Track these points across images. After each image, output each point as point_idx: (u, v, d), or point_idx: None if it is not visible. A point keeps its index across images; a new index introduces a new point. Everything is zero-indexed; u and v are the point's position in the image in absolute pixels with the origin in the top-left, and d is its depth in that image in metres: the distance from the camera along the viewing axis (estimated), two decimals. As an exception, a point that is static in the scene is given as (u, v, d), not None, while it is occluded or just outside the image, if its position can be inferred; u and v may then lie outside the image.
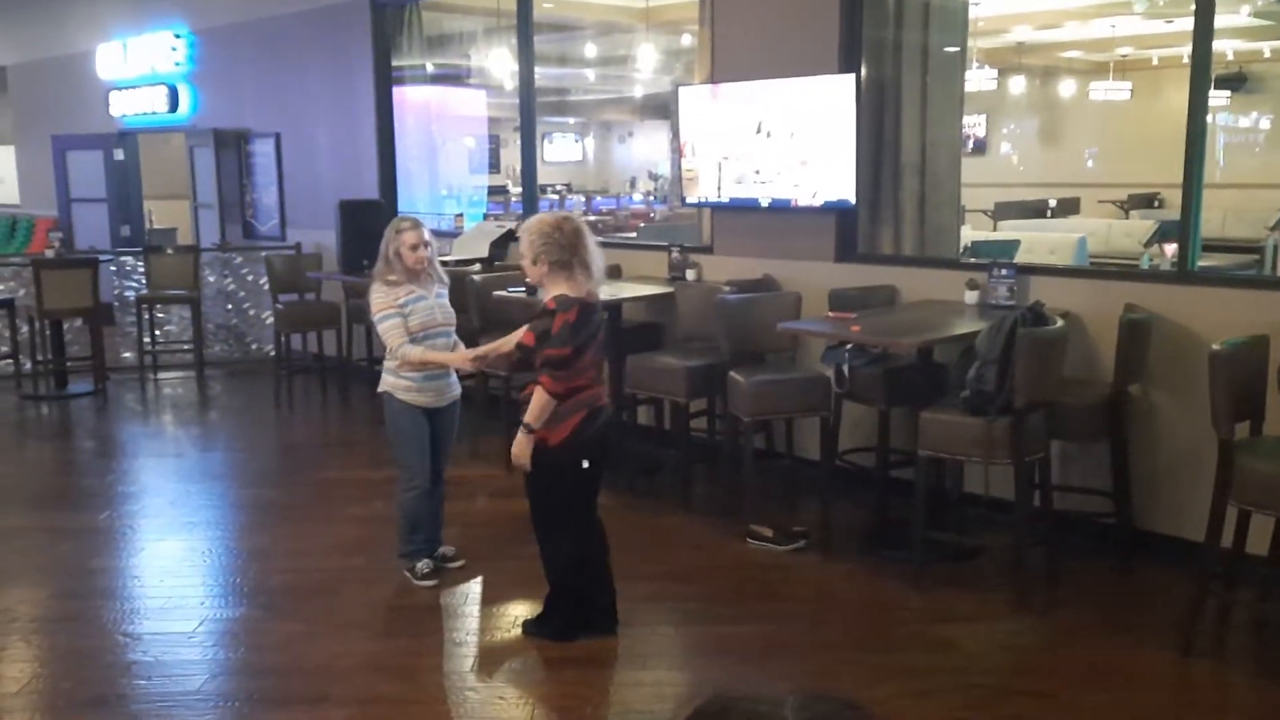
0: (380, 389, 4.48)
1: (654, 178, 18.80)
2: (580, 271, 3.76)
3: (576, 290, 3.76)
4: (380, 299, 4.35)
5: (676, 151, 6.55)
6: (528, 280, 4.04)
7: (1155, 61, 13.73)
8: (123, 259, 9.52)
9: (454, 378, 4.56)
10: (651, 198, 17.61)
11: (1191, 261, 4.77)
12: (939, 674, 3.77)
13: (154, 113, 10.91)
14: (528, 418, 3.75)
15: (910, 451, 4.80)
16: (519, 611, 4.28)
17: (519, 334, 3.99)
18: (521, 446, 3.77)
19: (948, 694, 3.63)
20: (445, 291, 4.55)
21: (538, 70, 7.90)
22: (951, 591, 4.46)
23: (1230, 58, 12.47)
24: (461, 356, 4.44)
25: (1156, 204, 13.50)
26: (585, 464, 3.85)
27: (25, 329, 8.47)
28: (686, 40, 11.48)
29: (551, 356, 3.70)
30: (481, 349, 4.42)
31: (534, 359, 3.78)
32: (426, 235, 4.42)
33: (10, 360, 8.59)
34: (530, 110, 7.82)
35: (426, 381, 4.41)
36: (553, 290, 3.78)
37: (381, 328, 4.35)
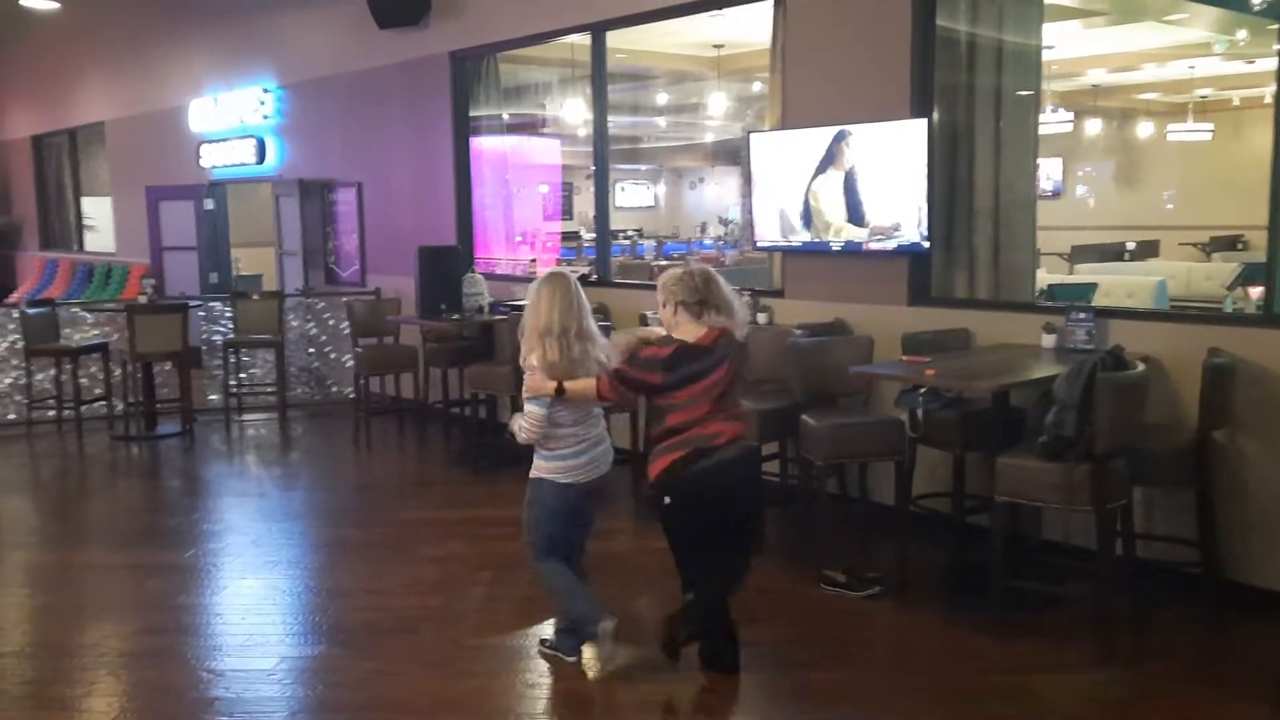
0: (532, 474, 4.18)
1: (724, 222, 18.88)
2: (711, 312, 3.94)
3: (698, 333, 3.92)
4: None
5: (747, 196, 6.59)
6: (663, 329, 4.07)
7: (1236, 102, 13.48)
8: (211, 304, 9.83)
9: (608, 444, 4.24)
10: (722, 242, 17.68)
11: (1278, 304, 4.66)
12: (1019, 725, 3.69)
13: (242, 164, 11.31)
14: (567, 381, 3.95)
15: (987, 497, 4.73)
16: (590, 653, 4.30)
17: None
18: (534, 384, 3.97)
19: (1028, 746, 3.55)
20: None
21: (611, 118, 8.04)
22: (1032, 641, 4.36)
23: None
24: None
25: (1240, 246, 13.18)
26: (666, 500, 3.93)
27: (118, 372, 8.79)
28: (757, 87, 11.59)
29: (622, 371, 3.93)
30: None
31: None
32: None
33: (104, 402, 8.91)
34: (604, 158, 7.95)
35: (581, 457, 4.12)
36: (676, 333, 3.97)
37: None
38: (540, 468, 4.15)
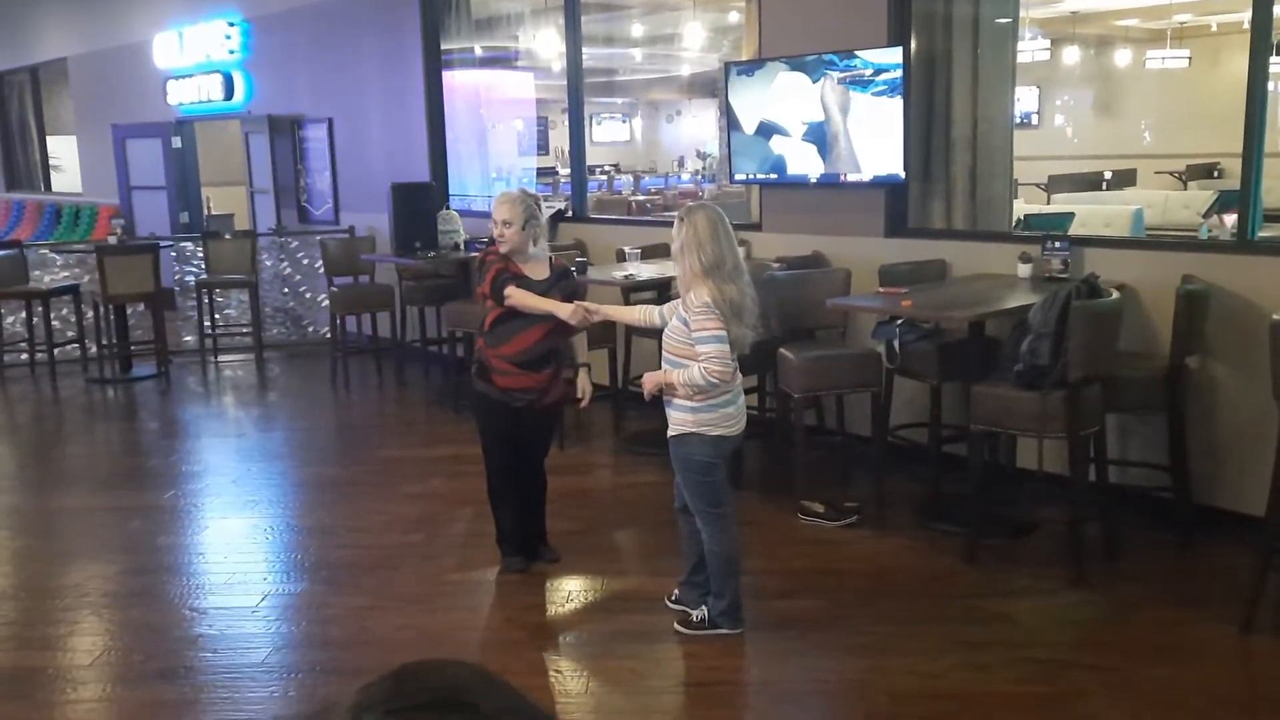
0: (677, 431, 3.69)
1: (702, 156, 18.73)
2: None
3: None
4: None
5: (724, 129, 6.53)
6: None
7: (1214, 28, 13.39)
8: (182, 245, 9.71)
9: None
10: (700, 176, 17.55)
11: (1252, 231, 4.69)
12: (997, 648, 3.76)
13: (210, 100, 11.09)
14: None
15: (963, 426, 4.78)
16: (572, 586, 4.35)
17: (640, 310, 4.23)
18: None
19: (1006, 667, 3.63)
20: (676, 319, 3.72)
21: (585, 51, 7.91)
22: (1008, 566, 4.44)
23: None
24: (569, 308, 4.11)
25: (1216, 174, 13.18)
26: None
27: (90, 314, 8.69)
28: (734, 17, 11.42)
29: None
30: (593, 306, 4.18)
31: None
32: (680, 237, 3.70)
33: (77, 345, 8.82)
34: (578, 91, 7.84)
35: (734, 405, 3.69)
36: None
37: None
38: (686, 421, 3.64)
